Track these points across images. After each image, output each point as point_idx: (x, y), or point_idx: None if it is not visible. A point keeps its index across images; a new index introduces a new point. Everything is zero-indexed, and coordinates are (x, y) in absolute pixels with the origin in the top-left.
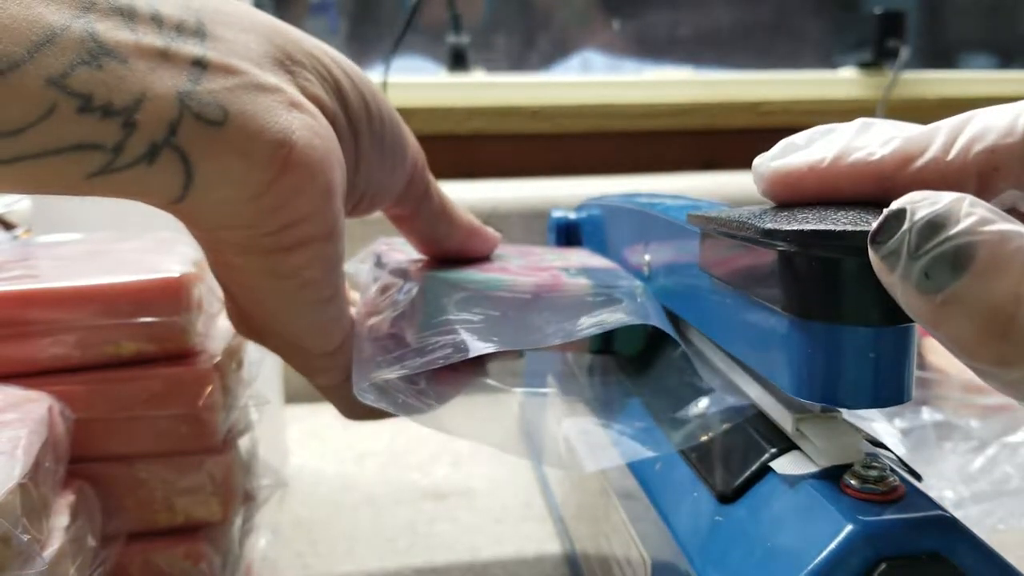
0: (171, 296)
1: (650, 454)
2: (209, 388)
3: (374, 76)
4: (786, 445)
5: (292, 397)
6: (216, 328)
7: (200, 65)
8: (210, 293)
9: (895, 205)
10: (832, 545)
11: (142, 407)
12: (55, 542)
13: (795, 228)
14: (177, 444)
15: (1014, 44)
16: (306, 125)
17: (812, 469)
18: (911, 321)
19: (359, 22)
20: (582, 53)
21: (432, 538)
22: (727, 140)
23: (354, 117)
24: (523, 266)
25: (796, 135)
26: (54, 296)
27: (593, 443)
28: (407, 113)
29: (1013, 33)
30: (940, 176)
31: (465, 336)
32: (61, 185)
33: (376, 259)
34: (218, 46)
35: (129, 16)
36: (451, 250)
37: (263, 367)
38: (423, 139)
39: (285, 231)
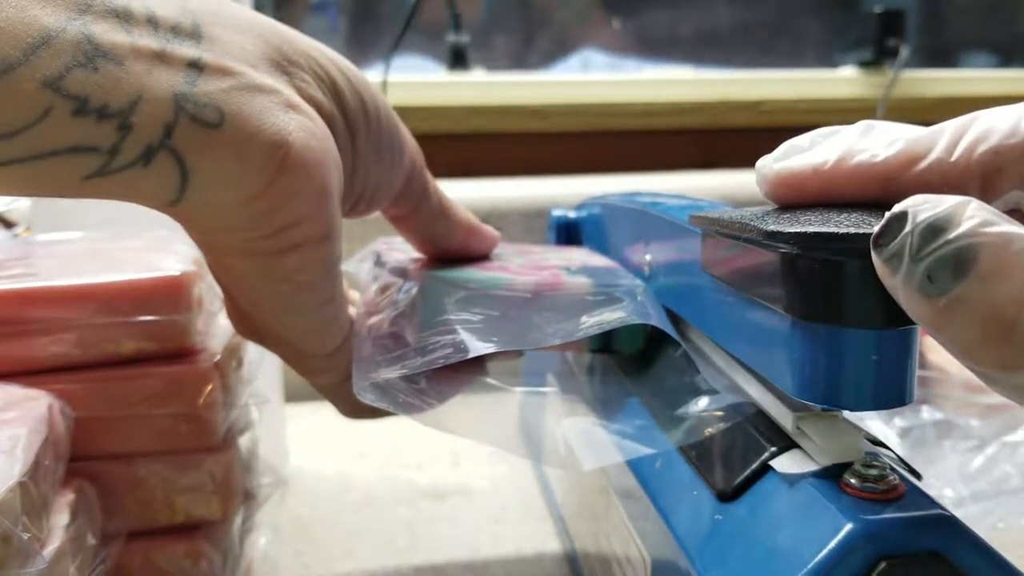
0: (171, 295)
1: (650, 452)
2: (209, 387)
3: (374, 75)
4: (786, 444)
5: (292, 396)
6: (216, 327)
7: (196, 67)
8: (210, 291)
9: (897, 208)
10: (832, 544)
11: (142, 405)
12: (55, 540)
13: (798, 230)
14: (177, 443)
15: (1014, 43)
16: (303, 126)
17: (812, 468)
18: (913, 323)
19: (359, 21)
20: (582, 52)
21: (432, 537)
22: (727, 139)
23: (351, 117)
24: (523, 265)
25: (799, 137)
26: (54, 295)
27: (592, 441)
28: (407, 112)
29: (1013, 32)
30: (943, 177)
31: (465, 336)
32: (57, 187)
33: (375, 258)
34: (214, 48)
35: (125, 18)
36: (450, 249)
37: (263, 366)
38: (423, 138)
39: (282, 233)
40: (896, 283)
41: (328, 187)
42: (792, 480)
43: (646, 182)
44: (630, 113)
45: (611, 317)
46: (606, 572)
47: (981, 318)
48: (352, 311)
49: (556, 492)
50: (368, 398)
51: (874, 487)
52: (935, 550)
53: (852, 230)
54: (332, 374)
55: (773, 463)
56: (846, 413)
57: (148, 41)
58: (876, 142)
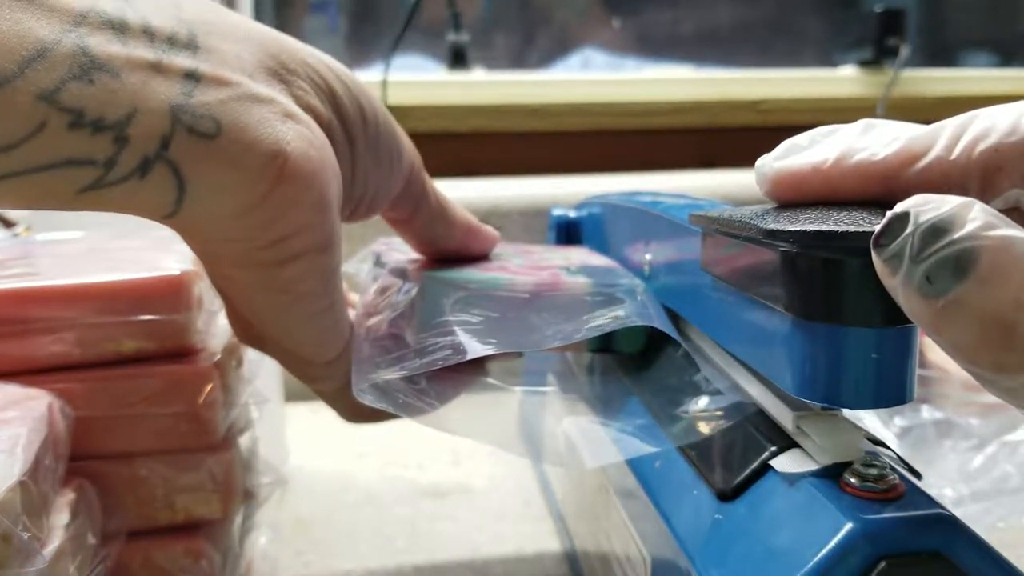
0: (171, 294)
1: (650, 451)
2: (209, 386)
3: (374, 75)
4: (786, 443)
5: (292, 395)
6: (216, 326)
7: (192, 77)
8: (210, 291)
9: (899, 208)
10: (832, 543)
11: (142, 405)
12: (55, 540)
13: (798, 228)
14: (177, 442)
15: (1014, 42)
16: (301, 136)
17: (812, 467)
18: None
19: (359, 21)
20: (582, 51)
21: (432, 536)
22: (727, 138)
23: (349, 125)
24: (522, 265)
25: (799, 136)
26: (54, 294)
27: (593, 440)
28: (407, 111)
29: (1013, 31)
30: (943, 176)
31: (464, 338)
32: (52, 201)
33: (375, 259)
34: (210, 58)
35: (120, 29)
36: (450, 250)
37: (263, 365)
38: (422, 137)
39: (280, 244)
40: (896, 283)
41: (327, 196)
42: (792, 479)
43: (646, 181)
44: (630, 112)
45: (611, 318)
46: (606, 571)
47: (979, 320)
48: (351, 313)
49: (556, 491)
50: (368, 399)
51: (874, 486)
52: (935, 549)
53: (852, 228)
54: (333, 380)
55: (773, 462)
56: (846, 412)
57: (144, 52)
58: (876, 140)
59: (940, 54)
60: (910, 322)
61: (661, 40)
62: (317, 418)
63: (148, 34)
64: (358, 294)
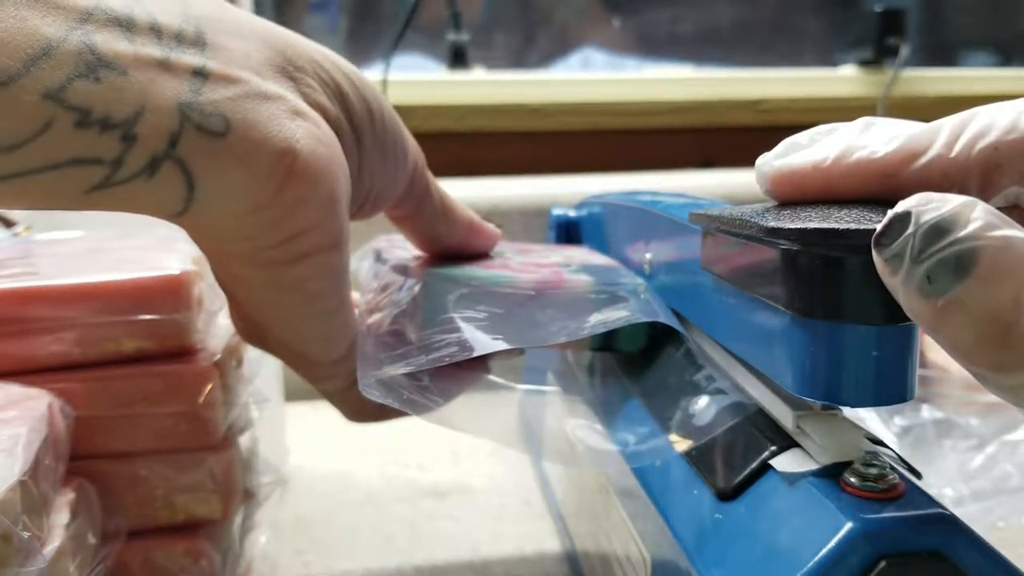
0: (171, 294)
1: (650, 450)
2: (209, 386)
3: (374, 74)
4: (786, 442)
5: (292, 395)
6: (216, 326)
7: (201, 75)
8: (210, 291)
9: (900, 208)
10: (832, 543)
11: (142, 404)
12: (55, 539)
13: (798, 226)
14: (177, 441)
15: (1014, 42)
16: (310, 133)
17: (812, 467)
18: None
19: (359, 20)
20: (582, 51)
21: (432, 536)
22: (727, 138)
23: (356, 122)
24: (524, 263)
25: (798, 135)
26: (54, 293)
27: (593, 440)
28: (407, 111)
29: (1013, 31)
30: (943, 173)
31: (469, 335)
32: (60, 200)
33: (376, 256)
34: (218, 55)
35: (127, 27)
36: (452, 247)
37: (263, 365)
38: (423, 137)
39: (290, 243)
40: (896, 283)
41: (336, 194)
42: (792, 479)
43: (646, 181)
44: (630, 112)
45: (616, 315)
46: (606, 571)
47: (978, 320)
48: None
49: (556, 491)
50: (374, 395)
51: (874, 486)
52: (935, 549)
53: (852, 226)
54: (338, 380)
55: (773, 462)
56: (846, 412)
57: (151, 50)
58: (875, 138)
59: (940, 54)
60: (911, 320)
61: (661, 40)
62: (317, 418)
63: (155, 31)
64: (359, 291)
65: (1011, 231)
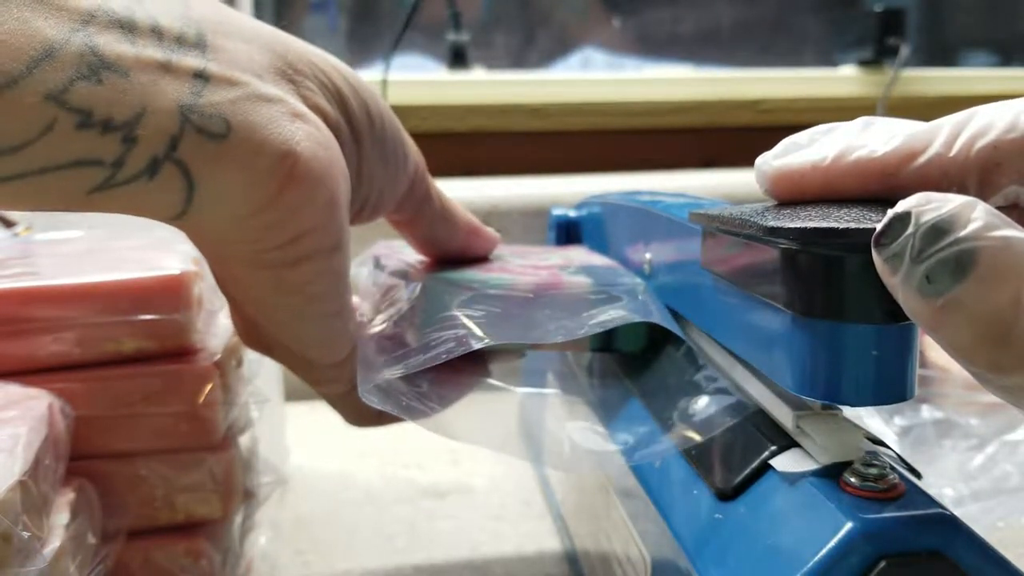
0: (171, 293)
1: (650, 450)
2: (209, 385)
3: (374, 74)
4: (786, 442)
5: (292, 395)
6: (216, 326)
7: (202, 77)
8: (210, 291)
9: (900, 208)
10: (832, 543)
11: (142, 404)
12: (55, 539)
13: (798, 226)
14: (177, 441)
15: (1014, 42)
16: (310, 136)
17: (812, 466)
18: None
19: (359, 20)
20: (582, 51)
21: (432, 536)
22: (727, 138)
23: (356, 126)
24: (523, 265)
25: (798, 134)
26: (54, 293)
27: (593, 442)
28: (407, 111)
29: (1013, 31)
30: (942, 173)
31: (466, 331)
32: (61, 202)
33: (375, 261)
34: (219, 57)
35: (129, 29)
36: (452, 251)
37: (263, 365)
38: (423, 137)
39: (290, 245)
40: (896, 283)
41: (336, 196)
42: (792, 479)
43: (646, 181)
44: (630, 112)
45: (614, 315)
46: (606, 571)
47: (977, 320)
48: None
49: (556, 491)
50: (372, 401)
51: (874, 486)
52: (935, 549)
53: (852, 225)
54: (339, 383)
55: (773, 462)
56: (846, 411)
57: (152, 52)
58: (875, 138)
59: (940, 54)
60: (910, 319)
61: (661, 40)
62: (317, 418)
63: (157, 33)
64: (359, 297)
65: (1011, 231)
